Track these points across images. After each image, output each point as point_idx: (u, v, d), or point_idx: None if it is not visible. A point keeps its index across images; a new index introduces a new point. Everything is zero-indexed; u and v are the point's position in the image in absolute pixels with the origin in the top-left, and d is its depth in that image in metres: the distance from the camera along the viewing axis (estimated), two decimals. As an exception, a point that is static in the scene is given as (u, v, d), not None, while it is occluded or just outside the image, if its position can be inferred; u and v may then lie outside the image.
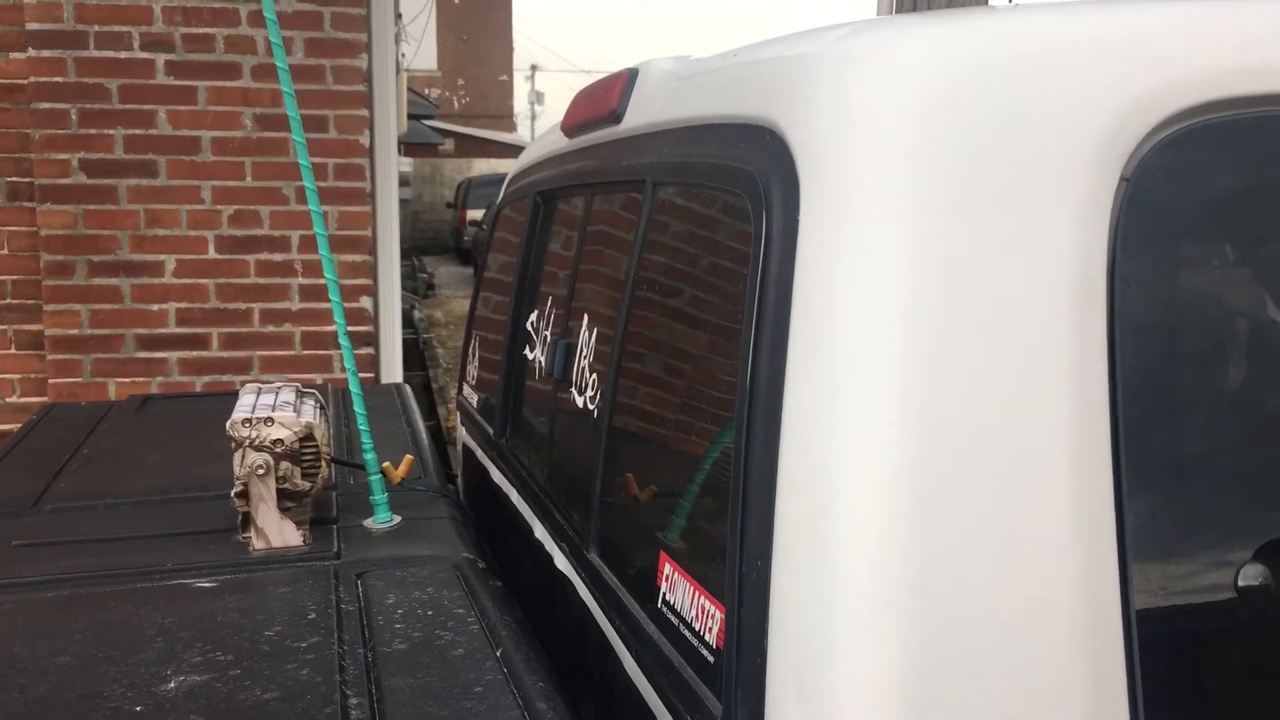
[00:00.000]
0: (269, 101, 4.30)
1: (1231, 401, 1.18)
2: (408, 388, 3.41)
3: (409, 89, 16.52)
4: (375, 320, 4.75)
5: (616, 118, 1.93)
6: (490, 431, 2.67)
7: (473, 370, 3.12)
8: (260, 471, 1.86)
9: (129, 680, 1.37)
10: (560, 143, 2.40)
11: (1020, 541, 1.08)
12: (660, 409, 1.61)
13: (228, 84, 4.30)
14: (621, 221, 1.88)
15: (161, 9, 4.24)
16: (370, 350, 4.67)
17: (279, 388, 2.10)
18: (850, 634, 1.08)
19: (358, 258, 4.54)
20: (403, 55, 13.21)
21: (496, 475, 2.58)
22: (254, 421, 1.88)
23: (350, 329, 4.50)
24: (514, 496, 2.38)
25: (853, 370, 1.12)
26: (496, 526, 2.55)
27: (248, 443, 1.87)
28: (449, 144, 25.73)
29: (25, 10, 4.10)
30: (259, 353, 4.48)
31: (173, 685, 1.35)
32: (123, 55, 4.22)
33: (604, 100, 1.99)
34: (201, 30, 4.26)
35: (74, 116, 4.19)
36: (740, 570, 1.20)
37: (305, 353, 4.53)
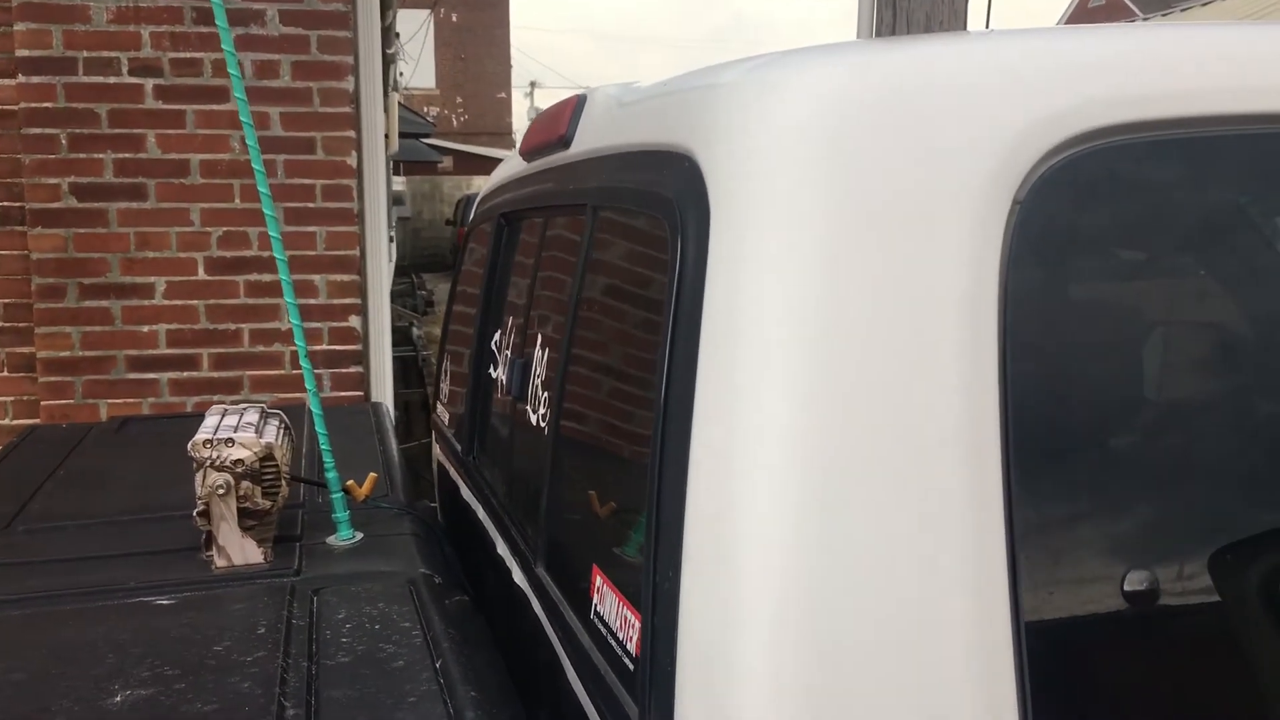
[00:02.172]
0: (257, 124, 4.34)
1: (1118, 413, 1.22)
2: (384, 406, 3.46)
3: (407, 107, 16.63)
4: (364, 339, 4.79)
5: (565, 142, 1.99)
6: (459, 449, 2.72)
7: (445, 389, 3.17)
8: (220, 491, 1.91)
9: (77, 695, 1.42)
10: (520, 166, 2.46)
11: (914, 553, 1.13)
12: (598, 427, 1.66)
13: (216, 107, 4.36)
14: (569, 244, 1.93)
15: (150, 34, 4.31)
16: (359, 369, 4.71)
17: (244, 409, 2.16)
18: (751, 641, 1.12)
19: (346, 277, 4.59)
20: (400, 74, 13.31)
21: (465, 493, 2.63)
22: (215, 442, 1.93)
23: (339, 348, 4.61)
24: (480, 513, 2.43)
25: (753, 390, 1.17)
26: (468, 543, 2.60)
27: (208, 463, 1.92)
28: (448, 161, 25.86)
29: (15, 37, 4.18)
30: (249, 373, 4.53)
31: (119, 699, 1.40)
32: (112, 80, 4.29)
33: (554, 125, 2.04)
34: (189, 55, 4.33)
35: (64, 141, 4.26)
36: (654, 580, 1.24)
37: (295, 372, 4.58)
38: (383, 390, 4.95)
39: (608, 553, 1.50)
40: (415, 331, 10.98)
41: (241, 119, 2.00)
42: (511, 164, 2.67)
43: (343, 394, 4.58)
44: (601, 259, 1.71)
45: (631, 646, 1.31)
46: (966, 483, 1.14)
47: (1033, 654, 1.13)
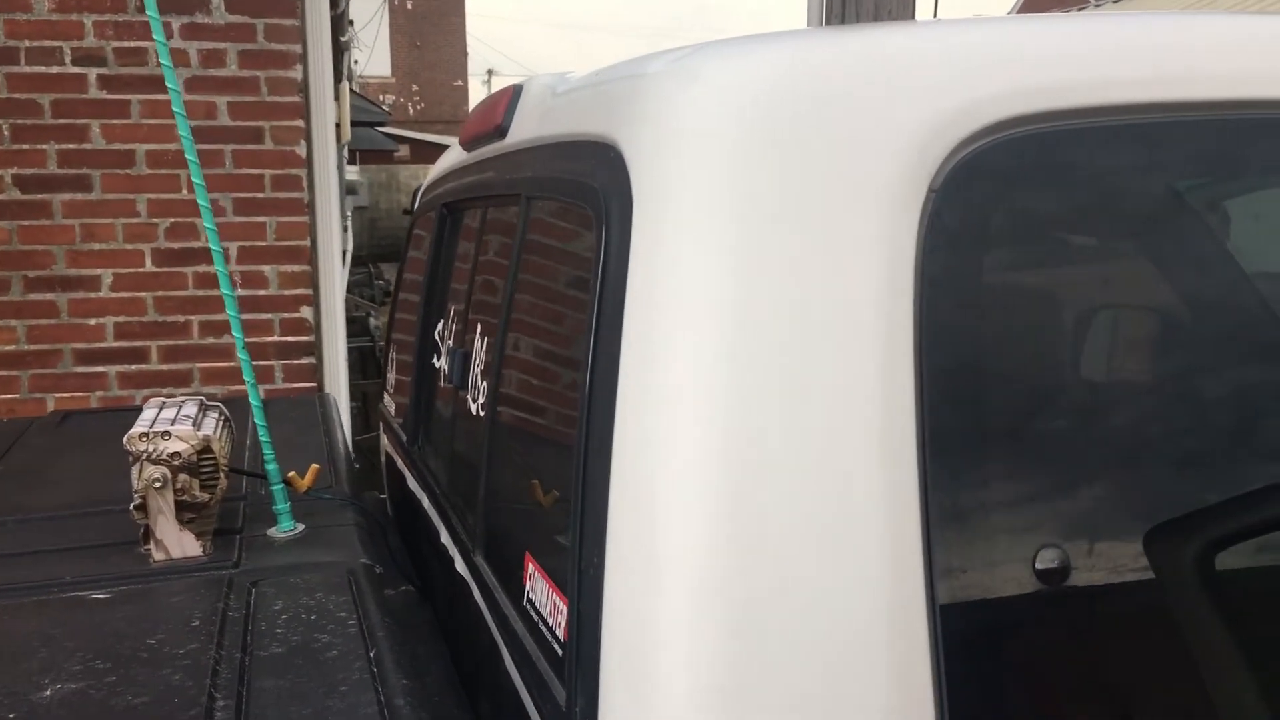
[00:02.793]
0: (203, 114, 4.32)
1: (1029, 396, 1.25)
2: (332, 397, 3.45)
3: (362, 96, 16.46)
4: (317, 330, 4.77)
5: (502, 132, 1.99)
6: (405, 439, 2.72)
7: (391, 379, 3.17)
8: (157, 484, 1.91)
9: (6, 689, 1.42)
10: (462, 156, 2.46)
11: (830, 537, 1.14)
12: (533, 415, 1.67)
13: (161, 97, 4.30)
14: (506, 233, 1.94)
15: (93, 23, 4.25)
16: (312, 360, 4.68)
17: (182, 401, 2.15)
18: (671, 626, 1.14)
19: (297, 268, 4.56)
20: (355, 62, 13.19)
21: (411, 482, 2.63)
22: (151, 435, 1.92)
23: (291, 339, 4.58)
24: (425, 503, 2.43)
25: (673, 377, 1.18)
26: (415, 534, 2.61)
27: (145, 456, 1.91)
28: (404, 150, 25.63)
29: (-47, 28, 4.12)
30: (199, 365, 4.50)
31: (49, 693, 1.40)
32: (54, 70, 4.23)
33: (491, 115, 2.05)
34: (133, 44, 4.27)
35: (6, 132, 4.20)
36: (580, 566, 1.26)
37: (246, 363, 4.54)
38: (337, 381, 4.92)
39: (539, 540, 1.51)
40: (373, 322, 10.92)
41: (174, 109, 1.98)
42: (453, 153, 2.67)
43: (295, 385, 4.55)
44: (534, 249, 1.72)
45: (560, 631, 1.33)
46: (883, 468, 1.16)
47: (947, 633, 1.15)
